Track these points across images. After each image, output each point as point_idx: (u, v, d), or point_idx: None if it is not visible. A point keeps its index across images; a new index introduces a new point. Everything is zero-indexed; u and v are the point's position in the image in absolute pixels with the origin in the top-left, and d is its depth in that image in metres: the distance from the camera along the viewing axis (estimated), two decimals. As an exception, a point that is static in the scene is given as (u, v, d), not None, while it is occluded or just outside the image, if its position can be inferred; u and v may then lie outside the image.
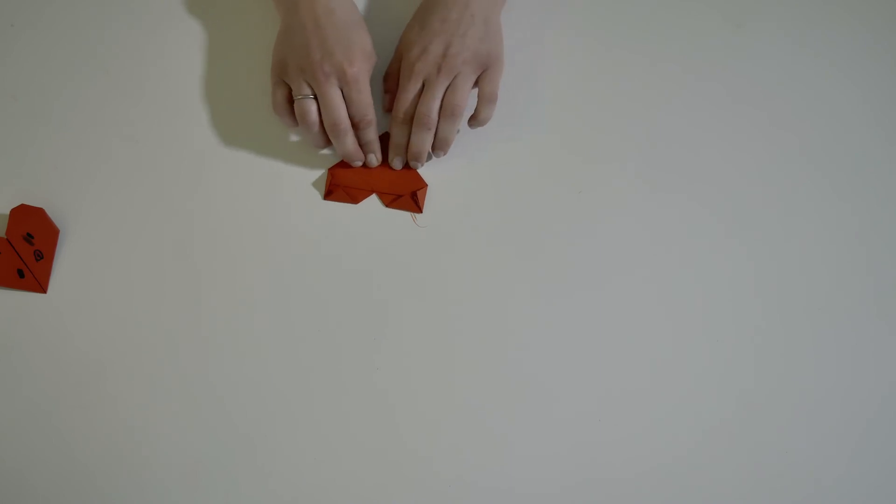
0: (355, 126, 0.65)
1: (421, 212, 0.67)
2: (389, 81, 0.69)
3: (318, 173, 0.68)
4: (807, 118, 0.71)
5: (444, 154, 0.67)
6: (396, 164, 0.67)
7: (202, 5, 0.72)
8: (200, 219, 0.67)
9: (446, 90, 0.64)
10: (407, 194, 0.67)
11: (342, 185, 0.67)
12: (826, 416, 0.64)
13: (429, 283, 0.66)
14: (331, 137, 0.65)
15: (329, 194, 0.67)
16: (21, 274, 0.65)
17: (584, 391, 0.64)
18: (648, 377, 0.65)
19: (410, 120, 0.65)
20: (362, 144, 0.66)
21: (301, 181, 0.68)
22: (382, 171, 0.67)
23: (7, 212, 0.66)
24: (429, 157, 0.68)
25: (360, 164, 0.67)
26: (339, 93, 0.63)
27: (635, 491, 0.62)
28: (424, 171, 0.68)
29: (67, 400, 0.63)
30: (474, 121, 0.66)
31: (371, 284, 0.66)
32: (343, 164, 0.67)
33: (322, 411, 0.63)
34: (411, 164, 0.67)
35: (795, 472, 0.63)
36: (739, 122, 0.70)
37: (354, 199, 0.67)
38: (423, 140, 0.65)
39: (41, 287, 0.65)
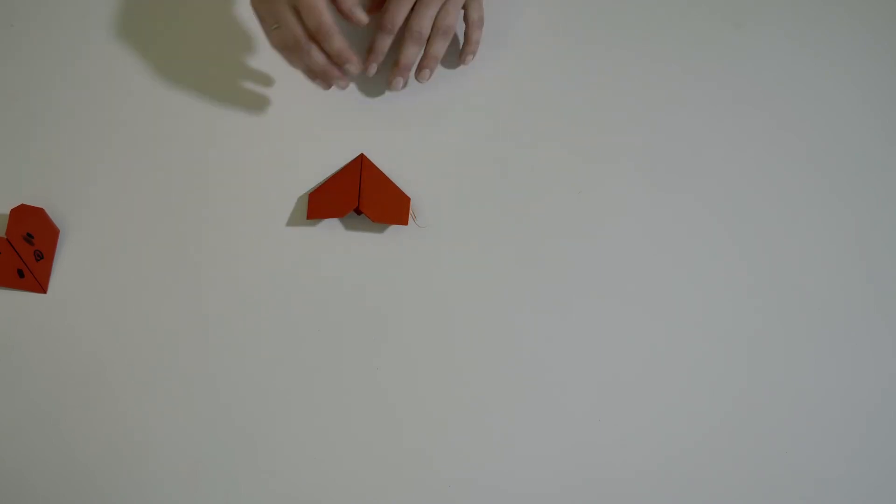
0: (316, 38, 0.62)
1: (406, 223, 0.66)
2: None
3: (322, 170, 0.68)
4: (806, 118, 0.71)
5: (431, 74, 0.68)
6: (372, 69, 0.66)
7: (205, 6, 0.72)
8: (201, 218, 0.67)
9: (439, 11, 0.65)
10: (393, 213, 0.66)
11: (323, 209, 0.66)
12: (826, 416, 0.64)
13: (428, 283, 0.66)
14: (302, 56, 0.62)
15: (311, 215, 0.66)
16: (21, 274, 0.65)
17: (584, 391, 0.64)
18: (648, 377, 0.65)
19: (394, 32, 0.65)
20: (333, 57, 0.63)
21: (301, 181, 0.68)
22: (363, 190, 0.65)
23: (7, 212, 0.66)
24: (404, 86, 0.69)
25: (343, 84, 0.64)
26: (289, 10, 0.61)
27: (635, 491, 0.62)
28: (417, 178, 0.68)
29: (67, 400, 0.63)
30: (468, 46, 0.68)
31: (371, 284, 0.66)
32: (322, 190, 0.66)
33: (322, 411, 0.63)
34: (394, 79, 0.67)
35: (795, 472, 0.63)
36: (739, 122, 0.70)
37: (338, 214, 0.65)
38: (414, 54, 0.67)
39: (41, 287, 0.65)
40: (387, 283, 0.66)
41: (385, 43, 0.66)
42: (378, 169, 0.67)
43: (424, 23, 0.65)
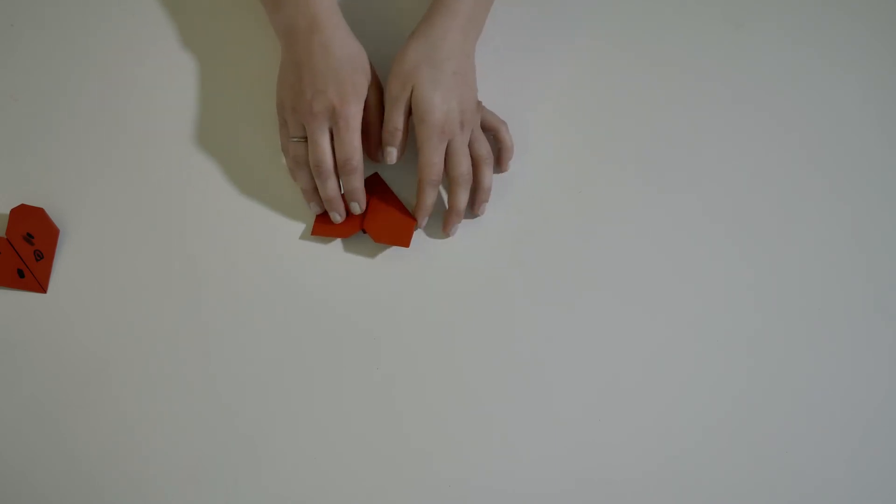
0: (339, 169, 0.62)
1: (408, 245, 0.65)
2: (374, 132, 0.65)
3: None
4: (807, 118, 0.71)
5: (487, 203, 0.66)
6: (424, 223, 0.66)
7: (212, 6, 0.72)
8: (201, 219, 0.67)
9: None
10: (396, 234, 0.65)
11: (328, 228, 0.66)
12: (826, 415, 0.64)
13: (428, 284, 0.66)
14: (315, 180, 0.63)
15: (315, 231, 0.66)
16: (21, 274, 0.65)
17: (583, 391, 0.64)
18: (648, 377, 0.65)
19: (439, 182, 0.64)
20: (346, 192, 0.64)
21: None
22: (370, 211, 0.66)
23: (7, 212, 0.66)
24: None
25: (340, 218, 0.64)
26: (328, 134, 0.62)
27: (635, 491, 0.62)
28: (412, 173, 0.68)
29: (67, 400, 0.63)
30: (507, 152, 0.67)
31: (370, 284, 0.66)
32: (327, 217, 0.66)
33: (322, 411, 0.63)
34: (452, 227, 0.66)
35: (795, 472, 0.63)
36: (739, 122, 0.70)
37: (343, 234, 0.66)
38: (466, 197, 0.65)
39: (41, 287, 0.65)
40: (386, 283, 0.66)
41: (433, 196, 0.64)
42: (389, 189, 0.67)
43: (467, 162, 0.64)
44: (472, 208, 0.66)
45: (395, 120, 0.63)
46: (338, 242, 0.67)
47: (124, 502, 0.62)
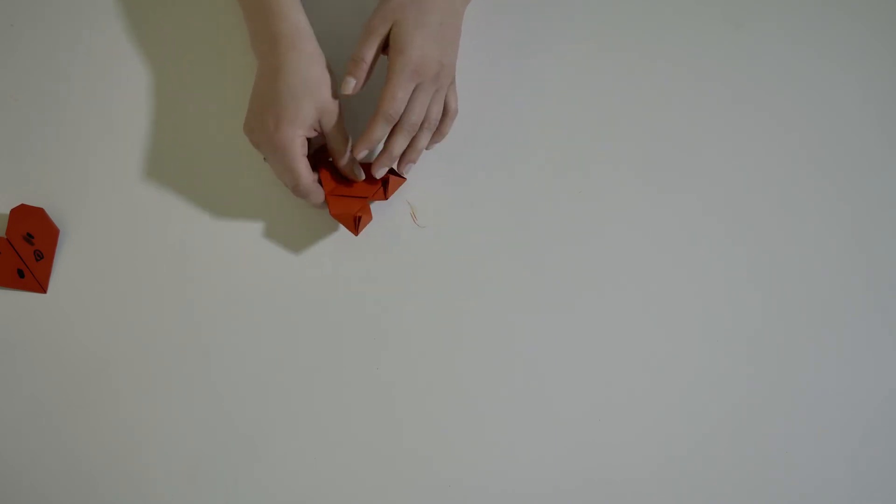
0: (298, 196, 0.62)
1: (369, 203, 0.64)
2: (338, 161, 0.63)
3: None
4: (807, 118, 0.71)
5: (414, 165, 0.64)
6: (360, 156, 0.61)
7: (211, 7, 0.72)
8: (200, 218, 0.67)
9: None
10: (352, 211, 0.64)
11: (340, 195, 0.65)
12: (826, 416, 0.64)
13: (427, 284, 0.66)
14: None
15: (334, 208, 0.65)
16: (21, 274, 0.65)
17: (583, 391, 0.64)
18: (648, 377, 0.65)
19: (395, 120, 0.60)
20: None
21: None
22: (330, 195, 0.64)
23: (7, 212, 0.66)
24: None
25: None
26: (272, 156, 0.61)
27: (635, 491, 0.62)
28: (417, 177, 0.68)
29: (67, 400, 0.63)
30: (438, 136, 0.65)
31: (370, 284, 0.66)
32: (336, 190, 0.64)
33: (322, 411, 0.63)
34: (380, 168, 0.63)
35: (795, 472, 0.63)
36: (739, 122, 0.70)
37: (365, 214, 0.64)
38: (402, 145, 0.62)
39: (41, 287, 0.65)
40: (386, 283, 0.66)
41: (383, 133, 0.61)
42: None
43: (421, 113, 0.61)
44: (399, 164, 0.64)
45: (364, 50, 0.59)
46: (335, 242, 0.67)
47: (124, 502, 0.62)
